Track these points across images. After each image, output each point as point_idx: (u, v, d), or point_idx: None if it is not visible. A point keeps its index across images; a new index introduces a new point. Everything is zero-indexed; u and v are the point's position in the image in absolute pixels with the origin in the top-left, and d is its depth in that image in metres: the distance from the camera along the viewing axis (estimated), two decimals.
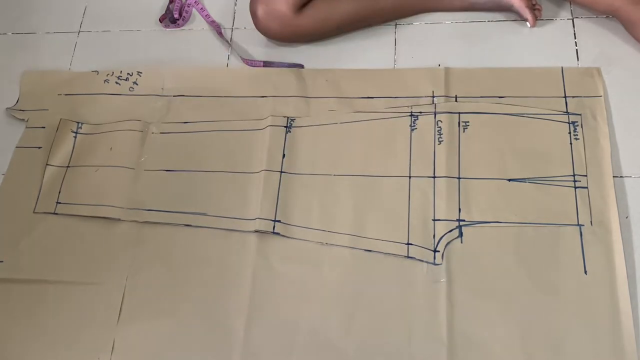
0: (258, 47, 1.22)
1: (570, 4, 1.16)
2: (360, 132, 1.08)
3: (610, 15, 1.11)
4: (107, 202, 1.08)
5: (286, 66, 1.18)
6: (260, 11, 1.13)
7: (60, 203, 1.10)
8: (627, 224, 0.94)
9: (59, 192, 1.11)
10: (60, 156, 1.14)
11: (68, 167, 1.14)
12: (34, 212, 1.10)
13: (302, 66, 1.18)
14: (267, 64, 1.19)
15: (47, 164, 1.13)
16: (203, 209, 1.05)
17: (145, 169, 1.11)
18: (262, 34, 1.18)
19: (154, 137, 1.14)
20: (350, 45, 1.19)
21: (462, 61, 1.13)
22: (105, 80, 1.22)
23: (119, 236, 1.05)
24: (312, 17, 1.14)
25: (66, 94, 1.22)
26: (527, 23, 1.14)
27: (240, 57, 1.21)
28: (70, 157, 1.14)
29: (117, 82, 1.22)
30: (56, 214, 1.09)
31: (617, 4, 1.07)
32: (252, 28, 1.17)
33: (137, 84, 1.21)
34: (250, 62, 1.20)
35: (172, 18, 1.29)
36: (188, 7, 1.30)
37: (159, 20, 1.29)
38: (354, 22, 1.17)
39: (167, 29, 1.29)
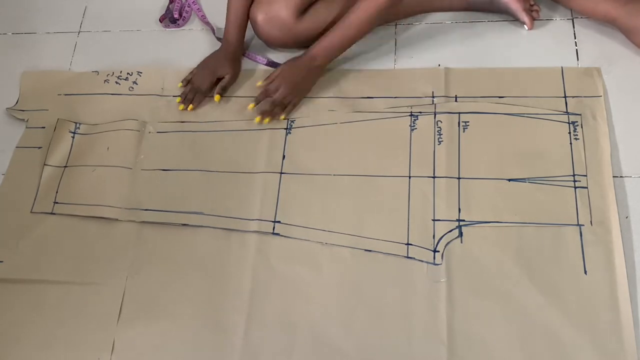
0: (258, 48, 1.22)
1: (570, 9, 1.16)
2: (360, 132, 1.07)
3: (608, 24, 1.10)
4: (104, 202, 1.08)
5: None
6: (261, 17, 1.12)
7: (57, 203, 1.10)
8: (627, 224, 0.94)
9: (57, 192, 1.11)
10: (58, 156, 1.14)
11: (66, 167, 1.13)
12: (31, 212, 1.10)
13: None
14: (270, 63, 1.18)
15: (44, 164, 1.13)
16: (202, 209, 1.05)
17: (142, 168, 1.11)
18: (263, 41, 1.17)
19: (151, 136, 1.13)
20: None
21: (462, 61, 1.13)
22: (105, 80, 1.22)
23: (119, 236, 1.05)
24: (312, 22, 1.13)
25: (66, 94, 1.22)
26: (525, 26, 1.14)
27: (244, 52, 1.20)
28: (68, 157, 1.14)
29: (117, 82, 1.22)
30: (54, 214, 1.09)
31: (614, 14, 1.07)
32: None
33: (137, 84, 1.21)
34: (254, 58, 1.19)
35: (172, 18, 1.29)
36: (188, 7, 1.30)
37: (159, 20, 1.29)
38: None
39: (167, 29, 1.29)
